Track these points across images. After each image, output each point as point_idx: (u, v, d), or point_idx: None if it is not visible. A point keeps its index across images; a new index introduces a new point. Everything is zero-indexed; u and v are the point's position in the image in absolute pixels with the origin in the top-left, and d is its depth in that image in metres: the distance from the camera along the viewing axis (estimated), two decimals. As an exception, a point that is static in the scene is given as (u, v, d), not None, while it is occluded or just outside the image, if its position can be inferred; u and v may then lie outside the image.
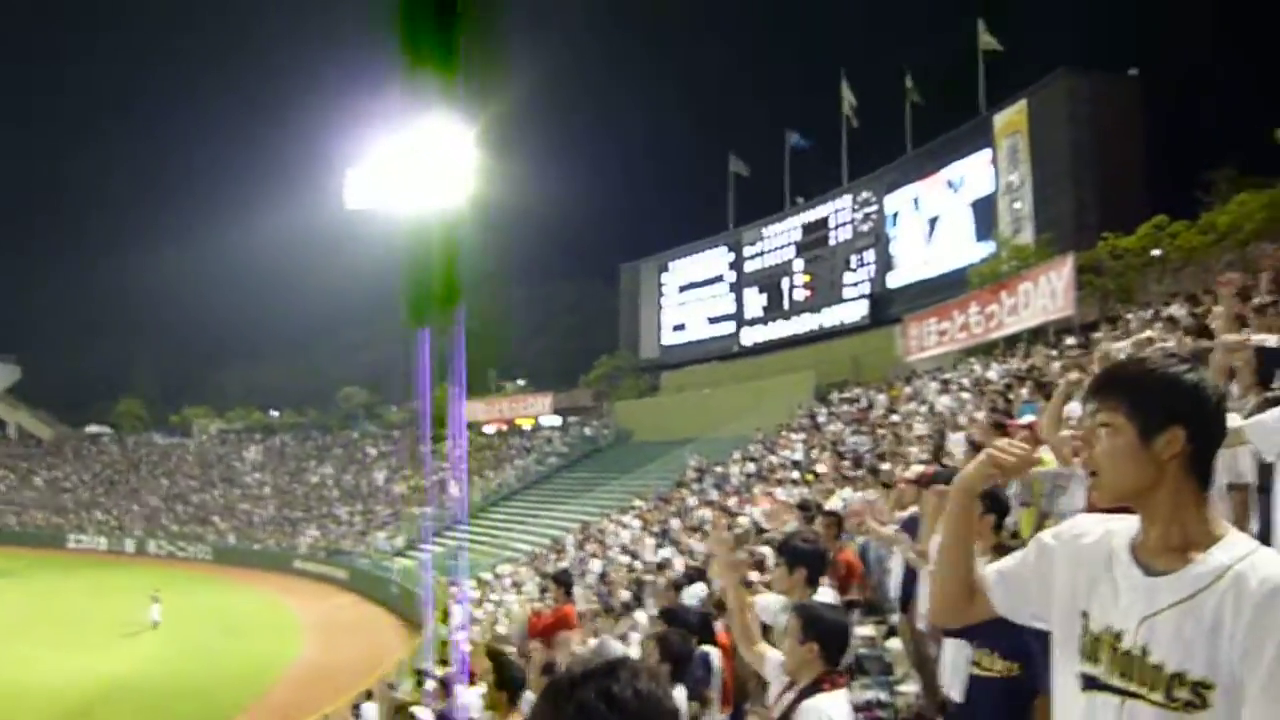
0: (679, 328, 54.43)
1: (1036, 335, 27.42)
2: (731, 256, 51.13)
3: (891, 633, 8.71)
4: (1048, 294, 26.81)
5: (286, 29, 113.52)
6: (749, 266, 49.91)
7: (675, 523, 25.68)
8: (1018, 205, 35.27)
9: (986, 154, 36.83)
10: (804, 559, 4.75)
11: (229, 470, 63.10)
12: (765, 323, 48.59)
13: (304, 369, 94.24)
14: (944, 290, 35.32)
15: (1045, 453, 6.73)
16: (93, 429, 77.88)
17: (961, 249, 37.38)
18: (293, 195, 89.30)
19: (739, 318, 50.27)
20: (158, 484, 62.34)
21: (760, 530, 14.85)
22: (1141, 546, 1.83)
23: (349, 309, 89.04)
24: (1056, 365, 17.05)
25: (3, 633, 29.87)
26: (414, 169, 45.60)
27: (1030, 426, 7.92)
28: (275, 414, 78.69)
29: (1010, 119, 36.04)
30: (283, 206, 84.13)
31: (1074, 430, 5.67)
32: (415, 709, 13.60)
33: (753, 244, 49.83)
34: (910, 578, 6.99)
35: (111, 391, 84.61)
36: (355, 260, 66.27)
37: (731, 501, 24.03)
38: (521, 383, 72.26)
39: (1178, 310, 17.11)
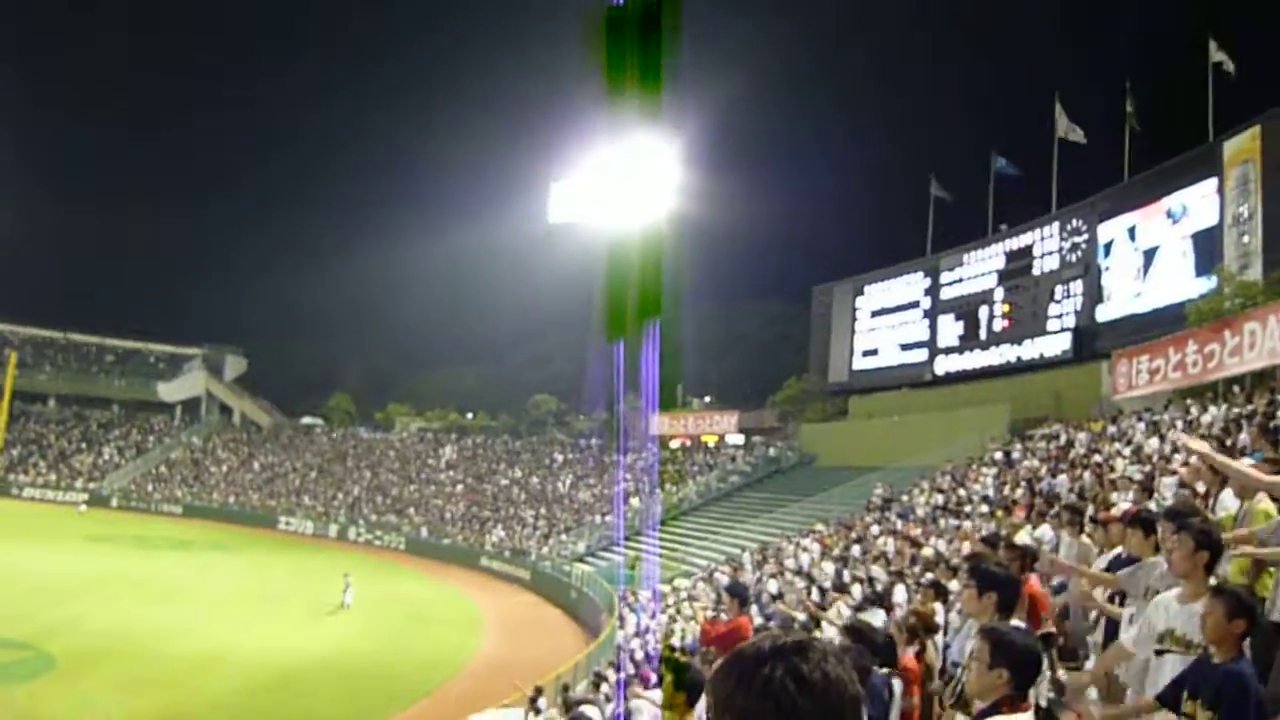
0: (870, 353, 53.36)
1: (1261, 379, 25.46)
2: (928, 282, 49.78)
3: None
4: (1277, 336, 24.83)
5: (498, 51, 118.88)
6: (946, 294, 48.44)
7: (856, 550, 25.21)
8: (1246, 239, 32.83)
9: (1212, 183, 34.46)
10: (996, 584, 4.62)
11: (425, 467, 66.14)
12: (960, 352, 47.03)
13: (500, 374, 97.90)
14: (1158, 326, 33.21)
15: (1265, 501, 6.31)
16: (306, 420, 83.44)
17: (1179, 284, 35.10)
18: (500, 208, 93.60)
19: (933, 346, 48.84)
20: (361, 475, 66.01)
21: (946, 562, 14.44)
22: None
23: (546, 318, 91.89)
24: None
25: (214, 602, 32.41)
26: (616, 185, 46.83)
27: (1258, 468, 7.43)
28: (470, 416, 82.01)
29: (1242, 146, 33.60)
30: (490, 219, 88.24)
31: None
32: (586, 708, 13.88)
33: (951, 270, 48.36)
34: (1113, 624, 6.67)
35: (325, 386, 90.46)
36: (554, 271, 68.50)
37: (916, 532, 23.43)
38: (708, 399, 72.65)
39: None
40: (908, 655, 6.79)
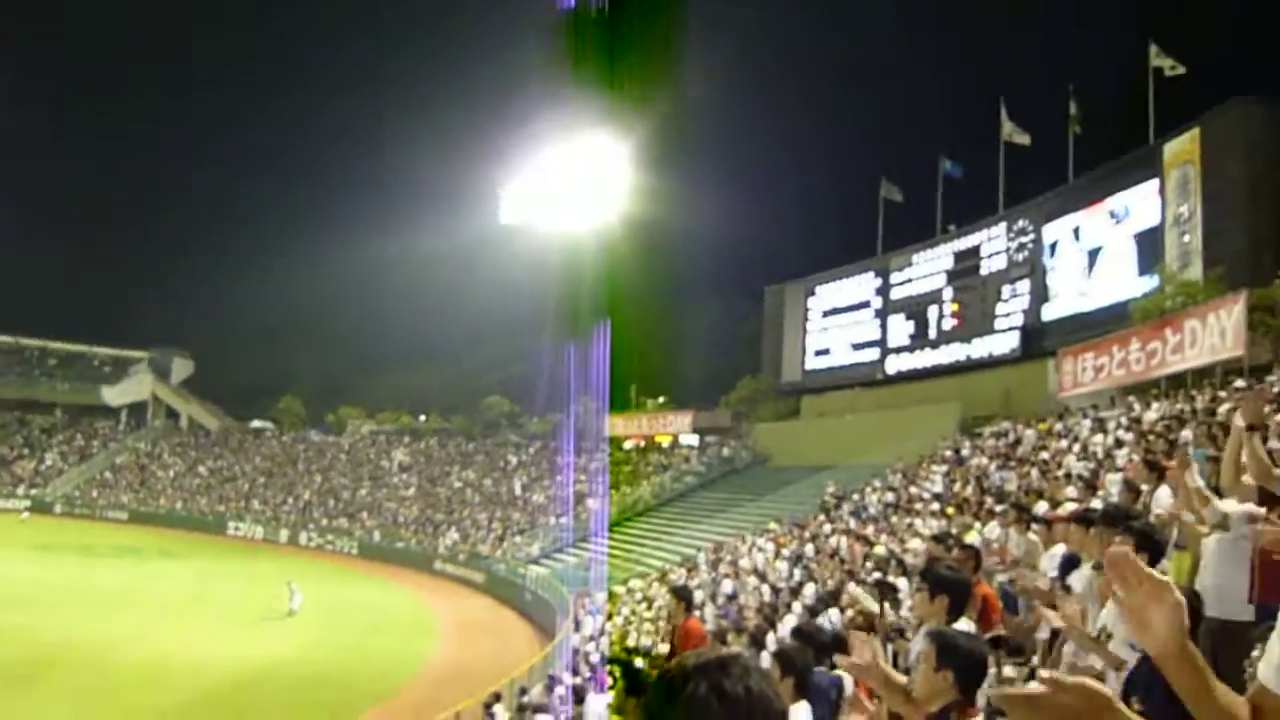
0: (822, 352, 53.79)
1: (1202, 376, 26.05)
2: (879, 283, 50.29)
3: (1032, 675, 8.44)
4: (1216, 333, 25.44)
5: (450, 50, 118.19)
6: (896, 293, 48.98)
7: (810, 549, 25.39)
8: (1186, 239, 33.59)
9: (1154, 184, 35.21)
10: (947, 587, 4.66)
11: (378, 470, 65.51)
12: (911, 351, 47.58)
13: (453, 376, 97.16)
14: (1102, 325, 33.90)
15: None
16: (256, 423, 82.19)
17: (1123, 283, 35.82)
18: (452, 210, 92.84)
19: (884, 345, 49.36)
20: (312, 479, 65.19)
21: (898, 561, 14.59)
22: None
23: (499, 320, 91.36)
24: (1225, 408, 16.21)
25: (160, 610, 31.85)
26: (568, 186, 46.70)
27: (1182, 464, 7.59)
28: (423, 418, 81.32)
29: (1181, 148, 34.38)
30: (443, 219, 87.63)
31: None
32: (540, 715, 13.85)
33: (901, 270, 48.91)
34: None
35: (275, 389, 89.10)
36: (507, 273, 68.34)
37: (868, 531, 23.65)
38: (662, 400, 72.69)
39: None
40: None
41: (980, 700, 3.62)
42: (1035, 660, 8.36)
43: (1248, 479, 5.36)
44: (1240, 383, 21.49)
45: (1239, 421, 5.34)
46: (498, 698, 18.27)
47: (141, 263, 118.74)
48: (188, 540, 52.82)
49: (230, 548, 52.56)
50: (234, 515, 60.02)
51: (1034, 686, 1.62)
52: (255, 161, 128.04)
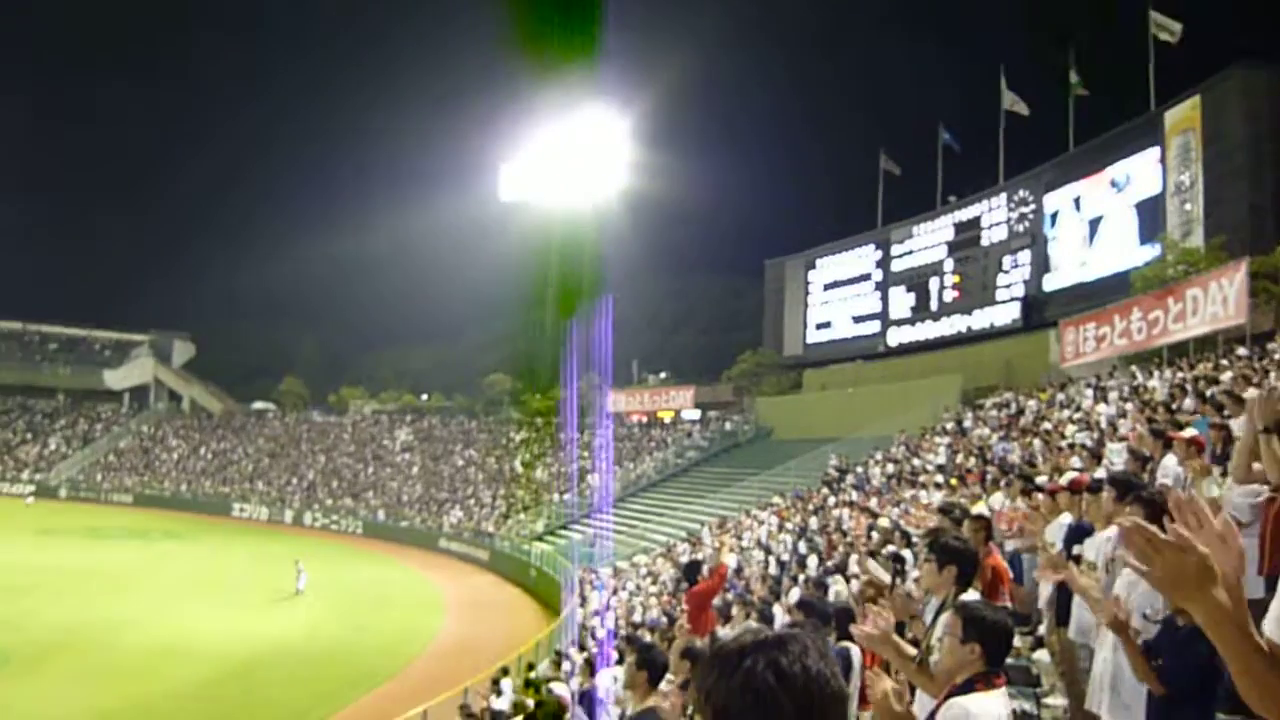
0: (823, 325, 53.78)
1: (1204, 344, 26.02)
2: (879, 255, 50.20)
3: (1039, 644, 8.50)
4: (1218, 301, 25.37)
5: (446, 30, 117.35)
6: (897, 265, 48.91)
7: (813, 521, 25.47)
8: (1188, 207, 33.48)
9: (1155, 152, 35.06)
10: (955, 558, 4.68)
11: (381, 449, 65.61)
12: (912, 323, 47.55)
13: (453, 354, 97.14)
14: (1104, 294, 33.83)
15: (1213, 488, 6.44)
16: (258, 405, 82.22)
17: (1124, 252, 35.74)
18: (451, 188, 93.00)
19: (885, 317, 49.34)
20: (316, 459, 65.33)
21: (903, 533, 14.63)
22: None
23: (499, 297, 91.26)
24: (1227, 376, 16.19)
25: (169, 593, 32.00)
26: (567, 163, 46.57)
27: (1195, 440, 7.59)
28: (425, 397, 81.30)
29: (1182, 115, 34.20)
30: (441, 199, 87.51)
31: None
32: (554, 684, 13.92)
33: (901, 243, 48.81)
34: (1066, 590, 6.79)
35: (277, 370, 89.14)
36: (507, 250, 68.20)
37: (872, 503, 23.71)
38: (664, 375, 72.71)
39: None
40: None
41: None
42: (1041, 629, 8.42)
43: (1258, 466, 5.40)
44: (1242, 350, 21.48)
45: (1257, 423, 5.34)
46: (505, 672, 18.39)
47: (142, 247, 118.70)
48: (193, 522, 53.06)
49: (236, 529, 52.80)
50: (238, 497, 60.23)
51: (1165, 536, 1.73)
52: (256, 144, 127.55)
